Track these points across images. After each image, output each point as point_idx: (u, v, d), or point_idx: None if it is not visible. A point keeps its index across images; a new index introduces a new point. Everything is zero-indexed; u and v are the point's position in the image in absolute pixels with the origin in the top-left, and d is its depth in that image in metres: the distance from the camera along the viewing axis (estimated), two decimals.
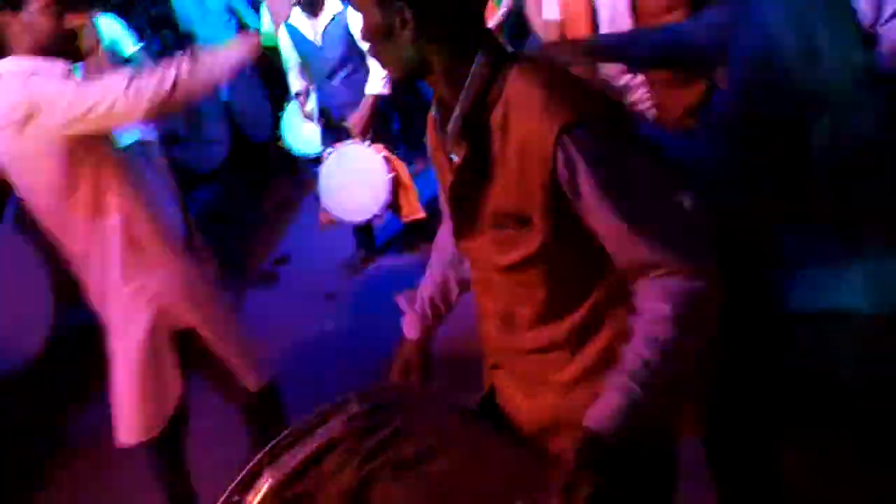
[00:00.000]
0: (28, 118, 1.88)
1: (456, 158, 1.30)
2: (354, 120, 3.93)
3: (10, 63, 1.93)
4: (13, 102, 1.88)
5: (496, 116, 1.22)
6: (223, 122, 5.47)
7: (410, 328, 1.67)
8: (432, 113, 1.39)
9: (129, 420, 2.19)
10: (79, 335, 3.98)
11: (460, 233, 1.38)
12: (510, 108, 1.21)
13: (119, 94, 1.88)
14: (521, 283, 1.34)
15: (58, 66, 1.94)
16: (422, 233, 4.18)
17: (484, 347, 1.52)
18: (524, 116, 1.19)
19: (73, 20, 1.96)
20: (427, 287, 1.68)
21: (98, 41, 3.03)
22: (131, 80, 1.90)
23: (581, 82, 1.27)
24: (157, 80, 1.91)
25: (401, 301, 1.67)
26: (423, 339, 1.66)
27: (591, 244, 1.25)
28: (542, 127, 1.17)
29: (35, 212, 2.07)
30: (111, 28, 3.80)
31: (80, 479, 3.16)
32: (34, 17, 1.91)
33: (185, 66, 1.94)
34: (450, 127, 1.27)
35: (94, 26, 2.97)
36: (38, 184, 2.00)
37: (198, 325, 2.21)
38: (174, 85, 1.91)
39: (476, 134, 1.25)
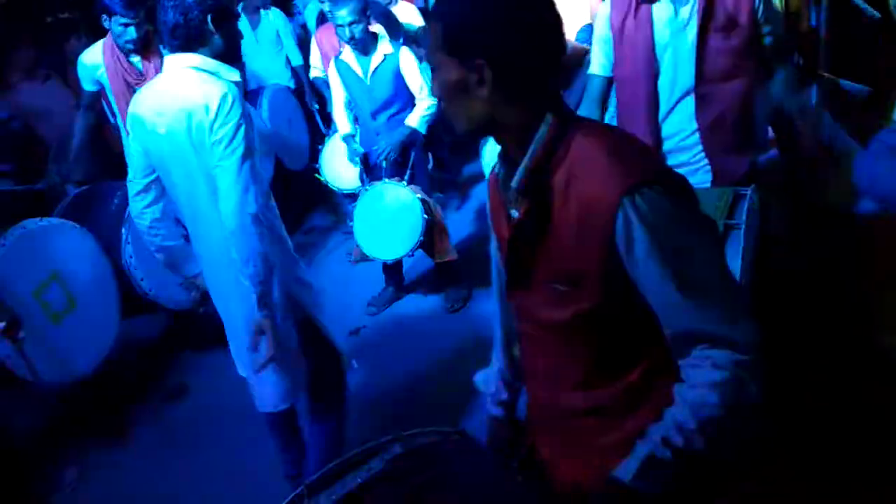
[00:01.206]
0: None
1: (516, 214, 1.33)
2: (385, 152, 3.98)
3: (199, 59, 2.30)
4: None
5: (559, 176, 1.25)
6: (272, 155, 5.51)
7: (492, 408, 1.70)
8: (495, 169, 1.41)
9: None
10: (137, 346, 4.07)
11: (513, 287, 1.40)
12: (574, 169, 1.23)
13: None
14: (570, 342, 1.34)
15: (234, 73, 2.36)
16: (452, 275, 4.19)
17: (528, 405, 1.53)
18: (587, 178, 1.21)
19: None
20: (498, 361, 1.69)
21: None
22: None
23: (644, 149, 1.31)
24: None
25: (479, 382, 1.70)
26: (506, 416, 1.69)
27: (643, 310, 1.25)
28: (604, 189, 1.19)
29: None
30: None
31: None
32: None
33: None
34: (513, 183, 1.29)
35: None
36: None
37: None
38: None
39: (538, 191, 1.27)
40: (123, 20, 3.54)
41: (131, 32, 3.56)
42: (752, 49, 2.40)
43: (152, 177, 2.46)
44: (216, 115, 2.19)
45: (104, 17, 3.61)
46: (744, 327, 1.20)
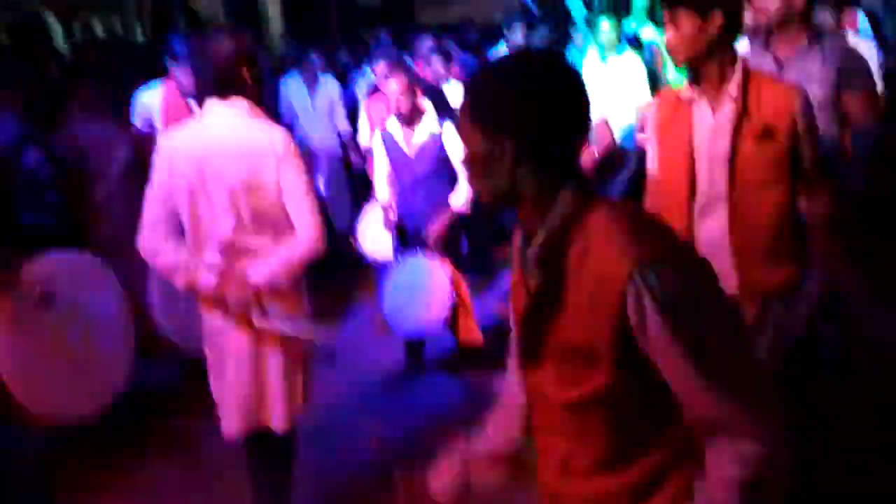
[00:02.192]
0: None
1: (532, 286, 1.32)
2: (431, 229, 3.98)
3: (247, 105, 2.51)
4: None
5: (575, 250, 1.24)
6: None
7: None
8: (517, 241, 1.41)
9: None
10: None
11: (526, 362, 1.37)
12: (590, 244, 1.23)
13: None
14: (582, 424, 1.30)
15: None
16: (474, 358, 4.12)
17: (539, 489, 1.46)
18: (601, 253, 1.21)
19: None
20: (483, 440, 1.63)
21: None
22: None
23: (664, 228, 1.29)
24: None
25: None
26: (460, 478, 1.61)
27: (658, 391, 1.21)
28: (617, 264, 1.18)
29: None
30: None
31: None
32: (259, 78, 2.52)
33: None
34: (529, 254, 1.29)
35: None
36: None
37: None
38: None
39: (554, 264, 1.26)
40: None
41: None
42: (789, 160, 2.36)
43: (170, 209, 2.55)
44: (282, 156, 2.43)
45: (172, 62, 3.76)
46: (767, 417, 1.17)
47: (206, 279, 2.52)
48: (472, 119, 1.27)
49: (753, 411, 1.16)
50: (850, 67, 2.88)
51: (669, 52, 2.43)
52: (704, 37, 2.29)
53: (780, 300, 2.37)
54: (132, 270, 3.60)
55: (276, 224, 2.53)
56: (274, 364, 2.64)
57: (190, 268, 2.53)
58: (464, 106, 1.30)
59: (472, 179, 1.34)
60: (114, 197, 4.13)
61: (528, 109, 1.23)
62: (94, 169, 4.43)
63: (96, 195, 4.31)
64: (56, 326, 3.04)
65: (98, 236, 4.00)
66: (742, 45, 2.62)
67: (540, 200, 1.27)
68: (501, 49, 6.45)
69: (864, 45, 4.64)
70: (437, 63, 5.57)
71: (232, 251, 2.54)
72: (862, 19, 5.38)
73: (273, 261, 2.51)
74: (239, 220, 2.50)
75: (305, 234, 2.49)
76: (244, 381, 2.63)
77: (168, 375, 4.33)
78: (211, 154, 2.46)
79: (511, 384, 1.58)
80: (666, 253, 1.19)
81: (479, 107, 1.27)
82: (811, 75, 2.73)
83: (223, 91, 2.46)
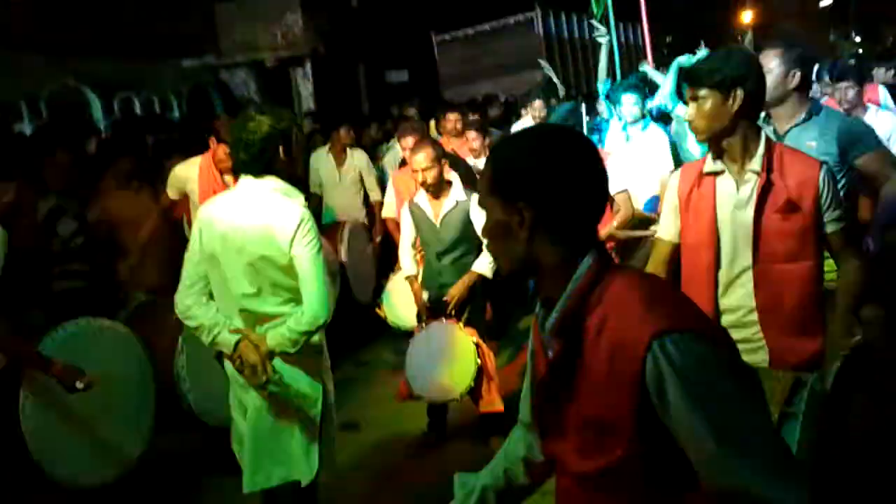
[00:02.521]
0: None
1: (550, 355, 1.32)
2: (453, 291, 4.01)
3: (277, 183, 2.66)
4: None
5: (594, 320, 1.25)
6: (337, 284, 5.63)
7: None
8: (537, 310, 1.41)
9: None
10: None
11: (545, 433, 1.37)
12: (608, 313, 1.24)
13: None
14: (602, 495, 1.28)
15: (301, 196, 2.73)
16: (496, 425, 4.07)
17: None
18: (620, 322, 1.22)
19: None
20: (485, 476, 1.64)
21: None
22: None
23: (682, 298, 1.30)
24: None
25: (456, 482, 1.63)
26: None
27: (679, 462, 1.20)
28: (635, 333, 1.18)
29: None
30: None
31: None
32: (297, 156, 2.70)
33: None
34: (549, 324, 1.30)
35: None
36: None
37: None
38: None
39: (572, 334, 1.27)
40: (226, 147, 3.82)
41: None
42: (815, 232, 2.36)
43: (202, 273, 2.71)
44: (296, 231, 2.56)
45: (212, 138, 3.92)
46: (789, 488, 1.14)
47: (227, 340, 2.65)
48: (492, 189, 1.32)
49: (774, 480, 1.14)
50: (852, 133, 2.91)
51: (692, 128, 2.47)
52: (726, 113, 2.34)
53: (813, 374, 2.31)
54: (160, 340, 3.67)
55: (292, 291, 2.66)
56: (290, 421, 2.75)
57: (214, 329, 2.66)
58: (485, 177, 1.34)
59: (493, 248, 1.37)
60: (142, 265, 4.23)
61: (548, 181, 1.27)
62: (127, 241, 4.56)
63: (128, 265, 4.42)
64: (81, 395, 3.09)
65: (130, 306, 4.08)
66: None
67: (558, 270, 1.29)
68: (523, 124, 6.59)
69: (887, 118, 4.68)
70: (474, 139, 5.70)
71: (252, 316, 2.68)
72: (883, 93, 5.44)
73: (283, 329, 2.62)
74: (258, 288, 2.64)
75: (308, 306, 2.59)
76: (261, 436, 2.73)
77: (191, 444, 4.32)
78: (235, 227, 2.61)
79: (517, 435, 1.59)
80: (684, 322, 1.20)
81: (499, 178, 1.31)
82: (810, 148, 2.75)
83: (257, 169, 2.61)
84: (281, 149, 2.61)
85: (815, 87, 3.67)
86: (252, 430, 2.76)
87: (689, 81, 2.42)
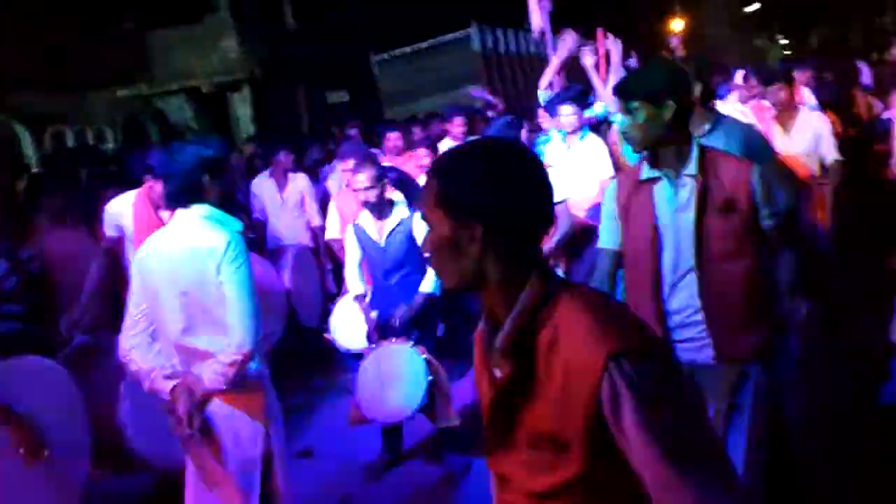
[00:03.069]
0: None
1: (500, 374, 1.31)
2: (400, 312, 3.98)
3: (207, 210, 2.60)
4: None
5: (544, 337, 1.24)
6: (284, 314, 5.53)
7: None
8: (480, 327, 1.40)
9: None
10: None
11: (494, 450, 1.35)
12: (559, 331, 1.23)
13: None
14: None
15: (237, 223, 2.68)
16: (452, 442, 4.06)
17: None
18: (572, 340, 1.21)
19: None
20: None
21: None
22: None
23: (630, 315, 1.30)
24: None
25: None
26: None
27: (628, 480, 1.20)
28: (590, 352, 1.18)
29: None
30: None
31: None
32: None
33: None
34: (497, 342, 1.29)
35: None
36: None
37: None
38: None
39: (522, 352, 1.26)
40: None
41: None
42: (752, 230, 2.44)
43: (144, 311, 2.66)
44: (223, 257, 2.50)
45: (147, 176, 3.84)
46: (733, 499, 1.16)
47: (163, 386, 2.58)
48: (439, 204, 1.29)
49: (720, 497, 1.16)
50: (752, 142, 3.04)
51: (628, 139, 2.52)
52: (661, 123, 2.40)
53: (757, 366, 2.38)
54: (102, 383, 3.55)
55: (223, 324, 2.57)
56: (227, 467, 2.65)
57: (151, 375, 2.61)
58: (431, 192, 1.31)
59: (437, 264, 1.34)
60: (86, 308, 4.10)
61: (497, 196, 1.25)
62: (64, 280, 4.42)
63: (67, 305, 4.28)
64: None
65: (68, 347, 3.95)
66: None
67: (506, 287, 1.28)
68: (448, 143, 6.45)
69: (817, 117, 4.85)
70: (425, 156, 5.64)
71: (188, 353, 2.62)
72: (807, 94, 5.65)
73: (214, 364, 2.54)
74: (192, 323, 2.58)
75: (232, 334, 2.51)
76: (199, 483, 2.68)
77: (139, 487, 4.20)
78: (167, 260, 2.59)
79: None
80: (638, 343, 1.21)
81: (447, 193, 1.28)
82: None
83: (186, 200, 2.60)
84: (207, 177, 2.59)
85: (739, 93, 3.81)
86: (191, 477, 2.70)
87: (621, 95, 2.47)
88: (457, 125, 6.28)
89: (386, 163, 5.49)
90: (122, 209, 4.02)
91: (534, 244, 1.31)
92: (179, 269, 2.57)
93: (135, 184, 4.20)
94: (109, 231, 4.09)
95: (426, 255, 1.36)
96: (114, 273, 4.24)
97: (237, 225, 2.64)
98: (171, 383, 2.57)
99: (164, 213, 3.84)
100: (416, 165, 5.69)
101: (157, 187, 3.81)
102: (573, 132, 5.18)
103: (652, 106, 2.38)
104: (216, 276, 2.52)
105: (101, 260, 4.17)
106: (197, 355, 2.60)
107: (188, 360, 2.62)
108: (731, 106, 4.33)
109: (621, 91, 2.47)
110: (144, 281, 2.64)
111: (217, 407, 2.61)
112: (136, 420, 3.53)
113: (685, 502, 1.15)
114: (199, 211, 2.60)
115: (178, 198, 2.60)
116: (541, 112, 6.00)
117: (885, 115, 6.00)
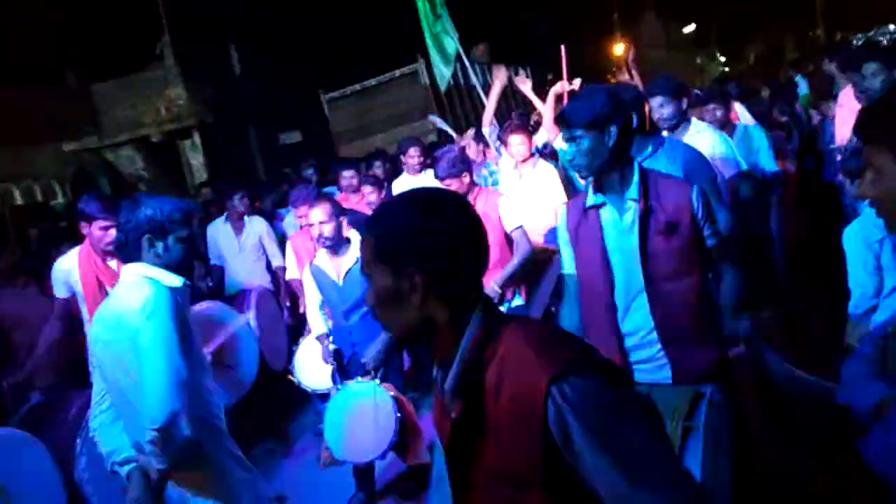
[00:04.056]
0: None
1: (453, 415, 1.32)
2: (370, 354, 3.97)
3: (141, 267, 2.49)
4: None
5: (491, 375, 1.26)
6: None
7: None
8: (434, 373, 1.42)
9: None
10: None
11: (458, 490, 1.36)
12: (504, 366, 1.24)
13: None
14: None
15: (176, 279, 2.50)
16: (425, 478, 4.03)
17: None
18: (516, 373, 1.22)
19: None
20: None
21: None
22: None
23: (573, 340, 1.32)
24: None
25: None
26: None
27: None
28: (532, 381, 1.19)
29: None
30: None
31: None
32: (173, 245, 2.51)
33: None
34: (447, 385, 1.30)
35: None
36: None
37: None
38: None
39: (472, 392, 1.27)
40: (104, 223, 3.68)
41: (111, 235, 3.67)
42: (696, 249, 2.50)
43: (105, 385, 2.53)
44: (140, 315, 2.33)
45: (83, 223, 3.75)
46: None
47: (121, 472, 2.45)
48: (376, 257, 1.31)
49: None
50: (692, 162, 3.15)
51: (573, 167, 2.57)
52: (604, 150, 2.45)
53: (711, 384, 2.40)
54: (59, 441, 3.46)
55: None
56: None
57: (111, 458, 2.49)
58: (368, 246, 1.33)
59: (383, 317, 1.34)
60: (38, 368, 4.00)
61: (433, 243, 1.28)
62: (16, 341, 4.31)
63: (20, 366, 4.18)
64: None
65: (23, 408, 3.85)
66: None
67: (450, 329, 1.30)
68: (403, 180, 6.45)
69: (755, 131, 5.00)
70: (370, 192, 5.66)
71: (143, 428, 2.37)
72: (741, 109, 5.84)
73: (146, 447, 2.30)
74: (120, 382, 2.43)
75: (143, 406, 2.26)
76: None
77: None
78: (100, 325, 2.49)
79: None
80: (577, 362, 1.22)
81: (384, 245, 1.30)
82: None
83: (125, 257, 2.54)
84: (148, 238, 2.50)
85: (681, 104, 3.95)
86: None
87: (563, 124, 2.52)
88: (412, 156, 6.29)
89: (341, 201, 5.51)
90: (68, 266, 3.94)
91: (474, 283, 1.34)
92: (109, 336, 2.43)
93: (80, 238, 4.13)
94: (59, 291, 3.99)
95: (370, 309, 1.36)
96: (68, 331, 4.14)
97: (176, 281, 2.50)
98: (125, 469, 2.41)
99: (113, 263, 3.79)
100: (364, 203, 5.72)
101: (97, 229, 3.73)
102: (524, 160, 5.25)
103: (594, 133, 2.43)
104: (139, 337, 2.32)
105: (53, 324, 4.06)
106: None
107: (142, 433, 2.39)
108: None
109: (564, 120, 2.51)
110: (92, 350, 2.53)
111: (170, 488, 2.41)
112: (94, 476, 3.44)
113: None
114: (137, 269, 2.50)
115: (120, 252, 2.56)
116: (477, 149, 6.07)
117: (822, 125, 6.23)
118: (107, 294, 3.78)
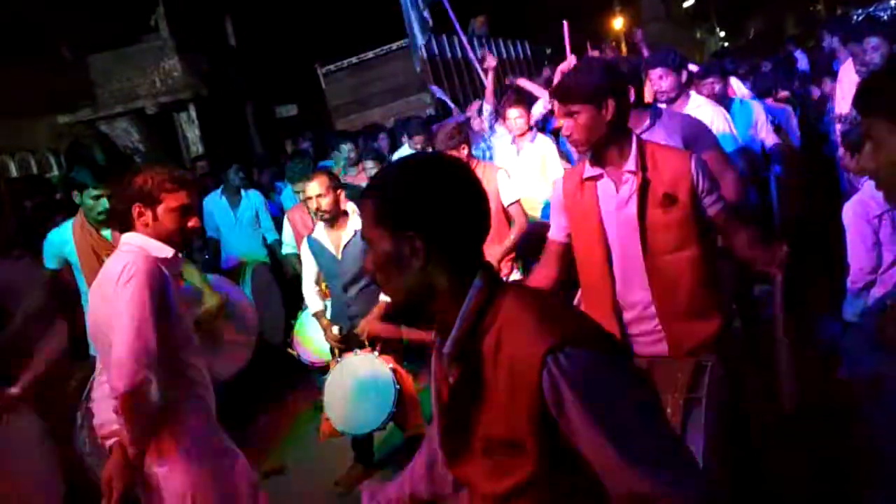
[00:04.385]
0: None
1: (451, 381, 1.32)
2: (363, 325, 3.98)
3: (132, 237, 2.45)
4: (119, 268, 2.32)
5: (489, 341, 1.26)
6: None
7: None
8: (433, 336, 1.41)
9: None
10: None
11: (453, 457, 1.36)
12: (502, 333, 1.24)
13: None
14: None
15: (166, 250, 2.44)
16: None
17: None
18: (514, 341, 1.22)
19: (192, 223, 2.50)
20: (393, 489, 1.64)
21: None
22: None
23: (572, 311, 1.33)
24: None
25: (364, 494, 1.62)
26: None
27: (586, 475, 1.21)
28: (529, 350, 1.19)
29: None
30: None
31: None
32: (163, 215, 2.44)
33: None
34: (445, 349, 1.30)
35: None
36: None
37: None
38: None
39: (470, 357, 1.27)
40: (95, 192, 3.66)
41: (103, 204, 3.67)
42: (696, 220, 2.47)
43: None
44: (118, 283, 2.29)
45: (75, 193, 3.73)
46: (690, 484, 1.17)
47: (105, 444, 2.42)
48: (379, 221, 1.30)
49: (678, 480, 1.17)
50: (692, 130, 3.13)
51: (571, 142, 2.53)
52: (601, 123, 2.42)
53: (712, 357, 2.40)
54: (57, 413, 3.46)
55: None
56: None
57: (101, 431, 2.46)
58: (368, 210, 1.32)
59: (383, 281, 1.34)
60: (23, 339, 3.99)
61: (435, 207, 1.27)
62: (11, 312, 4.29)
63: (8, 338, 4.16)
64: None
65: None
66: None
67: (451, 294, 1.30)
68: (404, 151, 6.48)
69: (754, 107, 4.98)
70: (372, 167, 5.63)
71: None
72: (737, 84, 5.81)
73: (117, 419, 2.27)
74: (105, 363, 2.37)
75: (113, 374, 2.21)
76: None
77: None
78: (91, 294, 2.49)
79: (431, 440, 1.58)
80: (575, 334, 1.22)
81: (386, 208, 1.30)
82: None
83: (120, 228, 2.52)
84: (138, 210, 2.45)
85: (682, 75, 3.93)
86: None
87: (561, 98, 2.47)
88: (416, 142, 6.21)
89: (340, 176, 5.49)
90: (62, 237, 3.92)
91: (475, 249, 1.34)
92: (96, 305, 2.43)
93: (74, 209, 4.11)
94: (50, 262, 3.98)
95: (370, 274, 1.36)
96: (63, 302, 4.13)
97: (166, 251, 2.45)
98: (109, 442, 2.37)
99: (108, 232, 3.78)
100: (365, 177, 5.70)
101: (88, 201, 3.71)
102: (522, 134, 5.23)
103: (592, 107, 2.41)
104: (115, 303, 2.30)
105: (41, 293, 4.03)
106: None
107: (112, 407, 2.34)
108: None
109: (561, 94, 2.48)
110: (89, 320, 2.52)
111: (153, 467, 2.37)
112: (94, 449, 3.45)
113: (639, 489, 1.16)
114: (129, 238, 2.47)
115: (112, 221, 2.56)
116: (480, 121, 6.09)
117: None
118: (103, 264, 3.79)
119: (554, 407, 1.18)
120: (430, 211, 1.27)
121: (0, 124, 10.06)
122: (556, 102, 2.54)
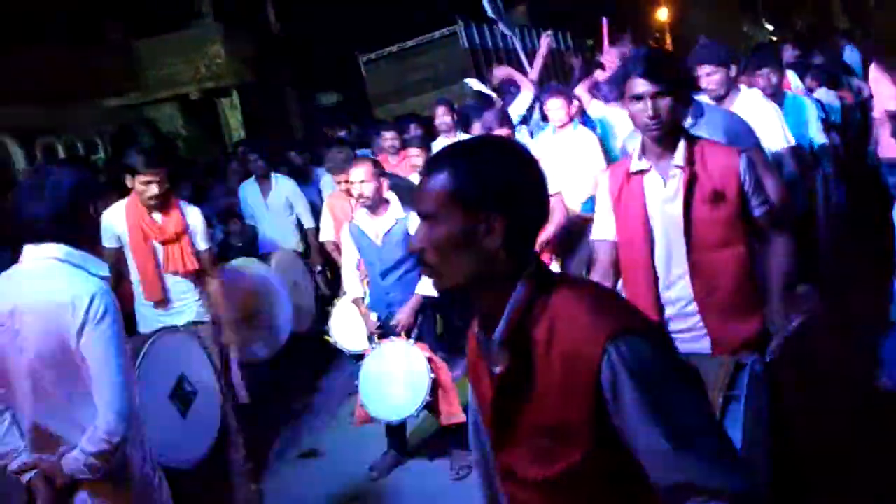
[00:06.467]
0: None
1: (498, 370, 1.31)
2: (400, 316, 4.00)
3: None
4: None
5: (540, 330, 1.25)
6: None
7: None
8: (474, 325, 1.41)
9: None
10: None
11: (499, 445, 1.37)
12: (556, 322, 1.24)
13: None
14: (561, 499, 1.30)
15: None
16: (458, 438, 4.07)
17: None
18: (569, 328, 1.22)
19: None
20: None
21: (185, 228, 3.83)
22: None
23: (623, 302, 1.34)
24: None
25: None
26: None
27: (631, 464, 1.22)
28: (588, 339, 1.20)
29: None
30: (195, 217, 4.05)
31: None
32: None
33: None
34: (495, 336, 1.29)
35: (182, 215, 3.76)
36: None
37: None
38: None
39: (520, 345, 1.27)
40: (146, 178, 3.74)
41: (154, 189, 3.75)
42: (742, 218, 2.44)
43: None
44: (84, 317, 2.06)
45: (127, 176, 3.82)
46: (737, 477, 1.18)
47: (20, 478, 2.17)
48: (453, 198, 1.25)
49: (724, 472, 1.18)
50: (734, 128, 3.06)
51: (652, 121, 2.39)
52: (678, 110, 2.41)
53: (753, 355, 2.37)
54: None
55: (80, 401, 2.12)
56: None
57: (7, 458, 2.18)
58: (439, 185, 1.26)
59: (441, 262, 1.28)
60: None
61: (519, 187, 1.26)
62: None
63: None
64: None
65: None
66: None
67: (503, 282, 1.28)
68: (441, 143, 6.34)
69: (805, 102, 4.86)
70: (417, 155, 5.55)
71: (43, 438, 2.16)
72: (793, 77, 5.68)
73: (76, 451, 2.08)
74: (39, 398, 2.13)
75: (102, 417, 2.05)
76: None
77: None
78: (9, 315, 2.11)
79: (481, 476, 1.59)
80: (634, 325, 1.22)
81: (464, 186, 1.25)
82: None
83: (57, 236, 2.16)
84: (92, 205, 2.23)
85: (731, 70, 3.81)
86: None
87: (653, 77, 2.35)
88: (439, 115, 6.07)
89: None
90: (116, 217, 4.01)
91: (535, 236, 1.33)
92: (28, 327, 2.09)
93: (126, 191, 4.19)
94: (107, 242, 4.08)
95: (423, 254, 1.30)
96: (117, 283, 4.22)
97: (104, 269, 2.23)
98: (26, 476, 2.14)
99: (158, 216, 3.87)
100: (410, 165, 5.67)
101: (139, 183, 3.77)
102: (563, 125, 5.19)
103: (672, 92, 2.36)
104: (76, 343, 2.06)
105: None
106: (49, 441, 2.15)
107: (40, 445, 2.16)
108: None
109: (654, 73, 2.35)
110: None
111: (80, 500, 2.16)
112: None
113: (686, 479, 1.17)
114: (54, 252, 2.12)
115: (43, 233, 2.13)
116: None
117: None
118: (151, 247, 3.87)
119: (611, 395, 1.19)
120: (514, 191, 1.26)
121: (48, 107, 10.28)
122: (637, 80, 2.39)
